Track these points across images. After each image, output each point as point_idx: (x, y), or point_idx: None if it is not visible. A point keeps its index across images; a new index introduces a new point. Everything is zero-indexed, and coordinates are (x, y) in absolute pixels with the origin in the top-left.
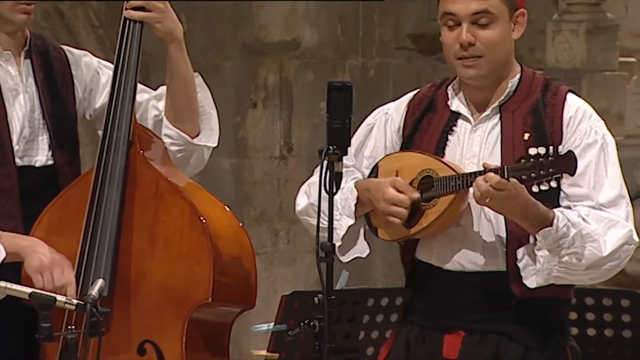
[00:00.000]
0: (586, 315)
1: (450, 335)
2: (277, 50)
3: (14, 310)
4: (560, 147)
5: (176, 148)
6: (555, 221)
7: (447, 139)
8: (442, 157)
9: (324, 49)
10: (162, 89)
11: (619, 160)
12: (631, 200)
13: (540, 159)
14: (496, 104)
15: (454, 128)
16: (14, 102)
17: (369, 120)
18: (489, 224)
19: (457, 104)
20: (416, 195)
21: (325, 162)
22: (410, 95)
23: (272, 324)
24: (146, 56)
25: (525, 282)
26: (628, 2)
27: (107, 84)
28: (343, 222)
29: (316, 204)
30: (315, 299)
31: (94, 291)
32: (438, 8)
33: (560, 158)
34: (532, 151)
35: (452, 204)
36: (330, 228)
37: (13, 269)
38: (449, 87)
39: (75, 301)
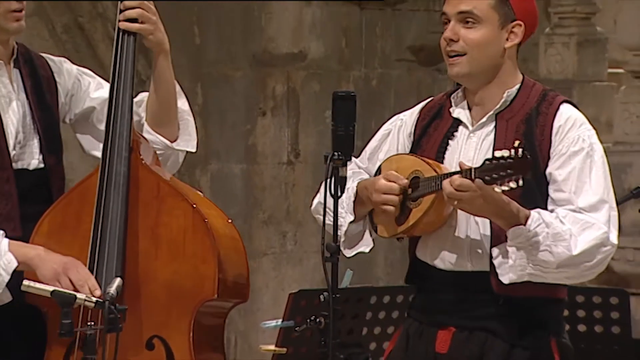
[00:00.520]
0: (577, 312)
1: (442, 331)
2: (284, 62)
3: (18, 313)
4: (551, 153)
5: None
6: (529, 220)
7: (447, 144)
8: (442, 160)
9: (329, 60)
10: (141, 96)
11: (609, 165)
12: (618, 204)
13: (502, 161)
14: (492, 112)
15: (455, 134)
16: (8, 109)
17: (386, 126)
18: (477, 225)
19: (458, 111)
20: (404, 181)
21: (330, 167)
22: (425, 102)
23: (280, 320)
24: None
25: (501, 278)
26: (617, 16)
27: (88, 91)
28: (346, 219)
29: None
30: (321, 296)
31: (112, 289)
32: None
33: (518, 160)
34: (498, 153)
35: (433, 202)
36: (335, 229)
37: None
38: (453, 95)
39: (94, 299)
